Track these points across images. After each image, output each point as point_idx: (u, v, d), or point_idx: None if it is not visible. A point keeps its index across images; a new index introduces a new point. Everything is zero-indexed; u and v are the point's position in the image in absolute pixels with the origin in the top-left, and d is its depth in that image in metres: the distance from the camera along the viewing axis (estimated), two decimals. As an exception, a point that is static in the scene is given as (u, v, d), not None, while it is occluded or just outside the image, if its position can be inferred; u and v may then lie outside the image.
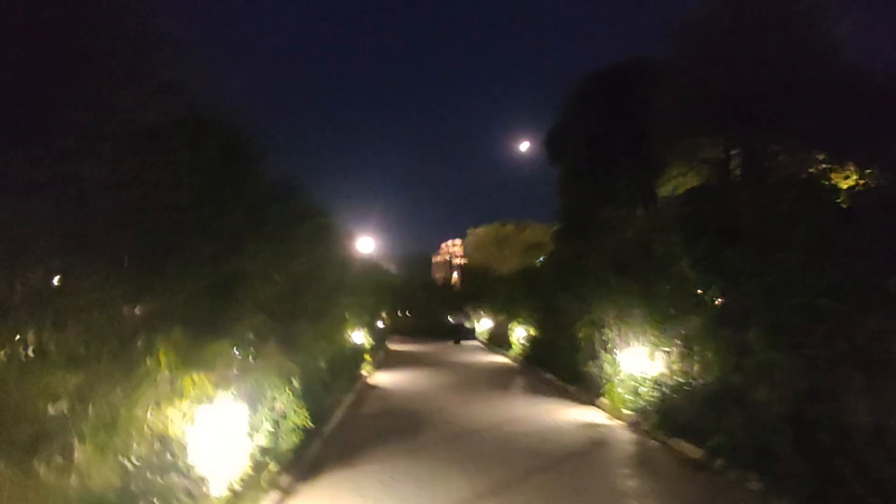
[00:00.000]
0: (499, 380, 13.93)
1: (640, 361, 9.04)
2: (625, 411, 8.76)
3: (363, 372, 13.20)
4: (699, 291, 7.27)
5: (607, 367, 10.06)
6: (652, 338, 8.70)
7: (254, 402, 4.69)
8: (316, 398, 7.18)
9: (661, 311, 8.43)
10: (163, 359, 3.44)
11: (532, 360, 16.32)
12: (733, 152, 11.53)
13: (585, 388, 10.79)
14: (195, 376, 3.77)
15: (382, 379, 13.39)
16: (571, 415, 9.15)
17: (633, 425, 8.19)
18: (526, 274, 18.83)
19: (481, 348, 24.51)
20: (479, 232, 55.53)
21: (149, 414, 3.31)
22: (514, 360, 18.43)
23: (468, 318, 28.82)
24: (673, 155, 12.46)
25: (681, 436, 7.04)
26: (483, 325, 29.44)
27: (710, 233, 6.86)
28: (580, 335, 11.74)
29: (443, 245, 62.81)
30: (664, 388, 7.98)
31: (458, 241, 60.22)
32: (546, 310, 14.78)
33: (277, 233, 6.23)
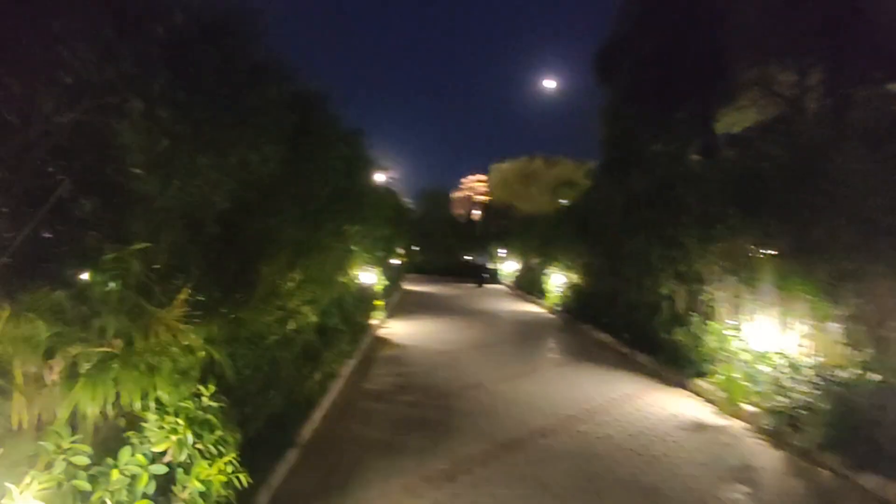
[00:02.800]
0: (541, 338, 11.27)
1: (777, 338, 6.17)
2: (746, 407, 6.00)
3: (373, 321, 10.60)
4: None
5: (710, 340, 7.22)
6: (809, 305, 5.77)
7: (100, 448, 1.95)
8: (289, 382, 4.48)
9: (835, 265, 5.45)
10: None
11: (576, 313, 13.60)
12: (811, 83, 9.29)
13: (667, 361, 8.03)
14: None
15: (397, 331, 10.79)
16: (664, 404, 6.42)
17: (772, 434, 5.43)
18: (572, 210, 15.74)
19: (507, 294, 21.90)
20: (504, 167, 51.99)
21: None
22: (550, 310, 15.76)
23: (491, 258, 26.06)
24: (743, 83, 10.87)
25: (889, 473, 4.28)
26: (508, 267, 26.76)
27: None
28: (661, 290, 8.87)
29: (464, 180, 58.94)
30: (834, 385, 5.13)
31: (481, 177, 56.30)
32: (604, 255, 11.85)
33: (205, 77, 3.25)
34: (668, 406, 6.38)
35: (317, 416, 5.00)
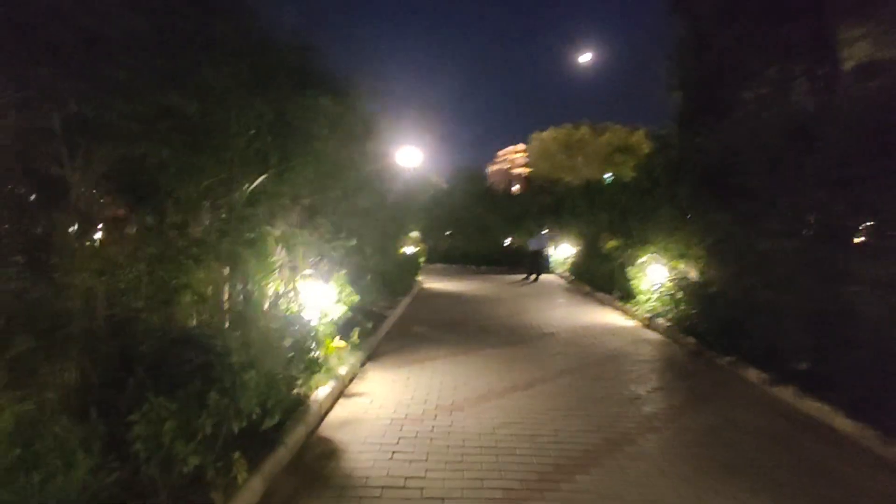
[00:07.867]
0: (673, 415, 5.38)
1: None
2: None
3: (320, 388, 5.08)
4: None
5: None
6: None
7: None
8: None
9: None
10: None
11: (708, 337, 7.67)
12: None
13: None
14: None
15: (374, 408, 5.23)
16: None
17: None
18: (682, 162, 9.61)
19: (566, 290, 15.98)
20: (545, 136, 45.67)
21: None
22: (646, 324, 9.83)
23: (548, 241, 20.02)
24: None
25: None
26: (560, 251, 20.83)
27: None
28: None
29: (500, 153, 52.24)
30: None
31: (519, 147, 49.69)
32: (787, 233, 5.86)
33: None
34: None
35: None
